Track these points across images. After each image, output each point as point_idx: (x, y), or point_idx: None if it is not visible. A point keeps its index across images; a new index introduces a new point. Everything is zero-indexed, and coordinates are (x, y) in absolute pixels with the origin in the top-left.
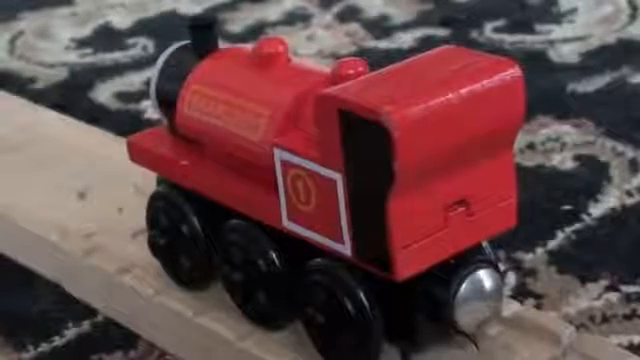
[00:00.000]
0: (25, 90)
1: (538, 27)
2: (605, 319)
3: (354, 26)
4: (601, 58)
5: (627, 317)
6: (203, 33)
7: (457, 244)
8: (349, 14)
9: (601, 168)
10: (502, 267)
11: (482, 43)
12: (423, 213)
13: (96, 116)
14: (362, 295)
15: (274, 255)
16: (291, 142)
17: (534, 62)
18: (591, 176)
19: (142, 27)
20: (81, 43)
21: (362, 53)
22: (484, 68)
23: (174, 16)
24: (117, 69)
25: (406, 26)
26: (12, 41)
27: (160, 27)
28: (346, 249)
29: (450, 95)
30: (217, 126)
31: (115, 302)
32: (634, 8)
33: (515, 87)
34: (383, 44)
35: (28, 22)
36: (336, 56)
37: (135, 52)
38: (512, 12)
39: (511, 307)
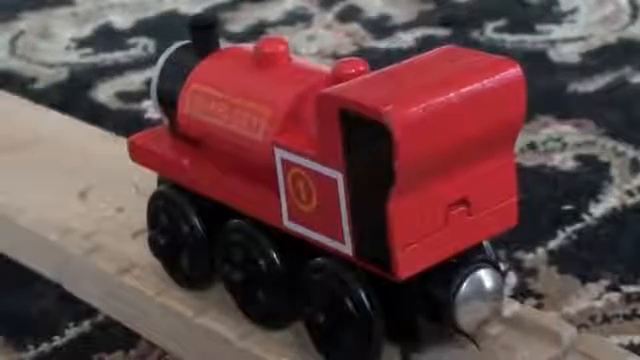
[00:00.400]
0: (26, 90)
1: (538, 27)
2: (606, 319)
3: (354, 26)
4: (602, 58)
5: (627, 317)
6: (204, 33)
7: (458, 244)
8: (349, 14)
9: (602, 168)
10: (503, 267)
11: (482, 43)
12: (424, 212)
13: (96, 116)
14: (363, 295)
15: (275, 255)
16: (292, 141)
17: (534, 62)
18: (592, 176)
19: (142, 27)
20: (82, 43)
21: (362, 53)
22: (485, 68)
23: (174, 16)
24: (118, 69)
25: (406, 26)
26: (13, 41)
27: (160, 27)
28: (347, 248)
29: (451, 95)
30: (218, 126)
31: (115, 302)
32: (635, 8)
33: (516, 87)
34: (383, 44)
35: (29, 22)
36: (336, 56)
37: (136, 52)
38: (512, 12)
39: (511, 307)
